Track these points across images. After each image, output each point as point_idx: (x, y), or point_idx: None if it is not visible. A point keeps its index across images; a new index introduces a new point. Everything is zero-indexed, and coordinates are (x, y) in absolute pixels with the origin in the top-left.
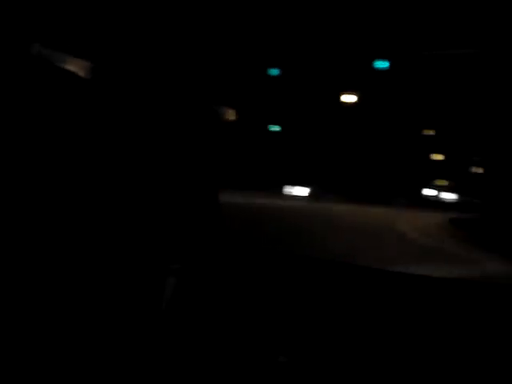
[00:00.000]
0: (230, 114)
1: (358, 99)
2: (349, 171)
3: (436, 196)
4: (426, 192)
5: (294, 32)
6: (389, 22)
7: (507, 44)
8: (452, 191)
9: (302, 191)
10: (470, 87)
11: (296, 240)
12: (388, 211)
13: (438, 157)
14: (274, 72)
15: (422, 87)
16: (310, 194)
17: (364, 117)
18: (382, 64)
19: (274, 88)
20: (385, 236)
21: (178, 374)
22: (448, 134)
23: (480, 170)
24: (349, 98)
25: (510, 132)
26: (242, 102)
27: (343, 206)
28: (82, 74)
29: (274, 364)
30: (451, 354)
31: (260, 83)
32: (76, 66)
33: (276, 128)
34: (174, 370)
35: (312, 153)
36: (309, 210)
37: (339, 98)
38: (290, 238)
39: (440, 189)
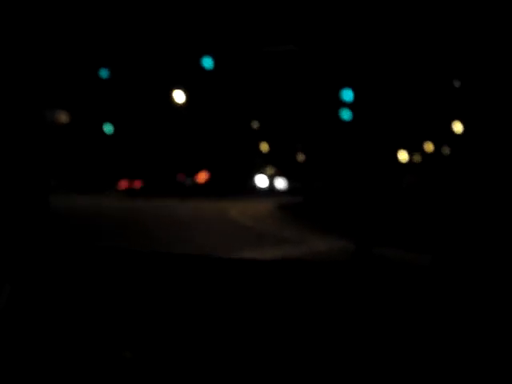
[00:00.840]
0: (63, 116)
1: (187, 96)
2: (182, 166)
3: (266, 183)
4: (257, 180)
5: (121, 32)
6: (214, 20)
7: (325, 42)
8: (280, 178)
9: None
10: (290, 81)
11: (134, 238)
12: (220, 202)
13: (265, 146)
14: (104, 73)
15: (247, 82)
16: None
17: (193, 112)
18: (207, 61)
19: (106, 89)
20: (219, 226)
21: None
22: (273, 125)
23: (303, 157)
24: (178, 96)
25: (327, 122)
26: (75, 103)
27: (176, 201)
28: None
29: (119, 359)
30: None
31: (91, 84)
32: None
33: (109, 128)
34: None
35: (145, 150)
36: (145, 209)
37: (169, 96)
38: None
39: (269, 176)
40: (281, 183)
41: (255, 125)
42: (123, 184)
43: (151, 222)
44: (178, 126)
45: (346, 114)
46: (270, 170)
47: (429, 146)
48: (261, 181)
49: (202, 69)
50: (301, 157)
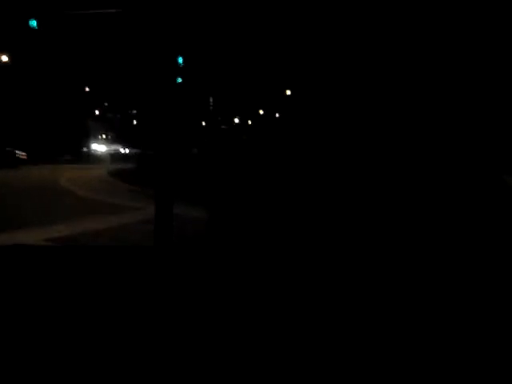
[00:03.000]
0: None
1: (11, 58)
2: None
3: (101, 150)
4: (93, 147)
5: None
6: None
7: (148, 4)
8: (116, 144)
9: None
10: (118, 44)
11: None
12: (53, 169)
13: (98, 111)
14: None
15: (75, 44)
16: None
17: (19, 75)
18: (31, 23)
19: None
20: (49, 195)
21: None
22: (105, 90)
23: (136, 122)
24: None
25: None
26: None
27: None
28: None
29: None
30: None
31: None
32: None
33: None
34: None
35: None
36: None
37: None
38: None
39: (104, 142)
40: (113, 148)
41: (87, 88)
42: None
43: None
44: (7, 91)
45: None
46: (104, 135)
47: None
48: (96, 146)
49: (29, 33)
50: (135, 123)
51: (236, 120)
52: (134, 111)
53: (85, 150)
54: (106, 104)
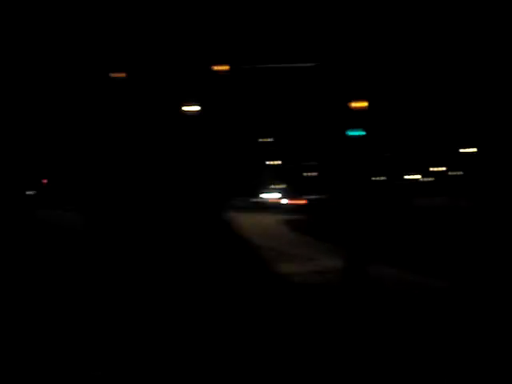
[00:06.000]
0: None
1: (199, 109)
2: (191, 178)
3: (274, 198)
4: (265, 195)
5: (138, 39)
6: (229, 29)
7: (342, 58)
8: (288, 193)
9: None
10: (301, 98)
11: None
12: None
13: (276, 162)
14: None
15: (259, 97)
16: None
17: (204, 126)
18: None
19: (119, 96)
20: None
21: None
22: (284, 142)
23: (313, 174)
24: (190, 108)
25: (339, 139)
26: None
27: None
28: None
29: None
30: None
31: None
32: None
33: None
34: None
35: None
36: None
37: (180, 109)
38: None
39: (277, 191)
40: (286, 197)
41: (264, 139)
42: None
43: None
44: (190, 139)
45: (355, 132)
46: (278, 184)
47: (440, 169)
48: (268, 194)
49: (214, 83)
50: (310, 174)
51: None
52: (312, 163)
53: (257, 198)
54: (282, 155)
